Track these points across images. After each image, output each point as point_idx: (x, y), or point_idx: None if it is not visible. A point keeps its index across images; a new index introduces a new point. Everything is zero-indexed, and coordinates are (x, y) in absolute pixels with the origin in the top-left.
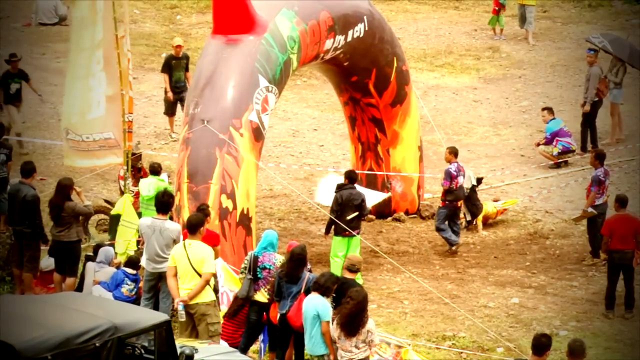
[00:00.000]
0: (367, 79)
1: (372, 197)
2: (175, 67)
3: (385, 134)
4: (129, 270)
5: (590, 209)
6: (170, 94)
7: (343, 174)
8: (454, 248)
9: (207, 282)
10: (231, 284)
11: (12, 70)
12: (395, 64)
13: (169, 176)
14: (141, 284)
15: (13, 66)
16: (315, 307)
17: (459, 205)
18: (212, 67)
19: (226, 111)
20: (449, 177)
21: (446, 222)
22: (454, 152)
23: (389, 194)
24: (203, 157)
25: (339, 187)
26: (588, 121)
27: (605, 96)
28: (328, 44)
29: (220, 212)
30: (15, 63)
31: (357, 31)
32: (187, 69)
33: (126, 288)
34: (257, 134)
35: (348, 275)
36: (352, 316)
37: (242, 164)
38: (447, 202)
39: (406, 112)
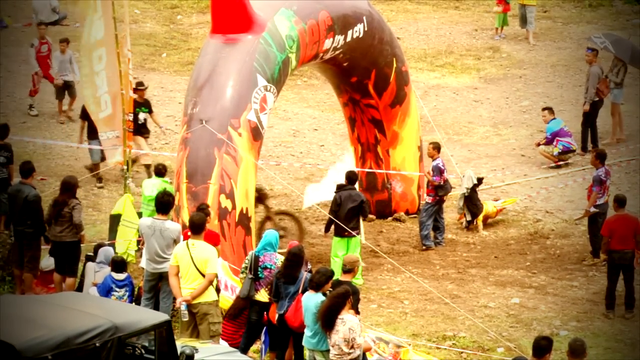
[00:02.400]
0: (366, 80)
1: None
2: None
3: (385, 135)
4: (116, 276)
5: (592, 209)
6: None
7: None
8: (426, 248)
9: (211, 283)
10: (229, 278)
11: (139, 100)
12: (394, 65)
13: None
14: (141, 284)
15: (140, 95)
16: (316, 304)
17: (445, 199)
18: (210, 66)
19: (225, 111)
20: (439, 172)
21: (431, 219)
22: (437, 148)
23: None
24: (202, 157)
25: (339, 188)
26: (588, 121)
27: (606, 96)
28: (327, 43)
29: (220, 212)
30: (142, 92)
31: (356, 31)
32: None
33: (115, 295)
34: (256, 134)
35: (342, 277)
36: (328, 311)
37: (240, 164)
38: (437, 198)
39: (406, 112)
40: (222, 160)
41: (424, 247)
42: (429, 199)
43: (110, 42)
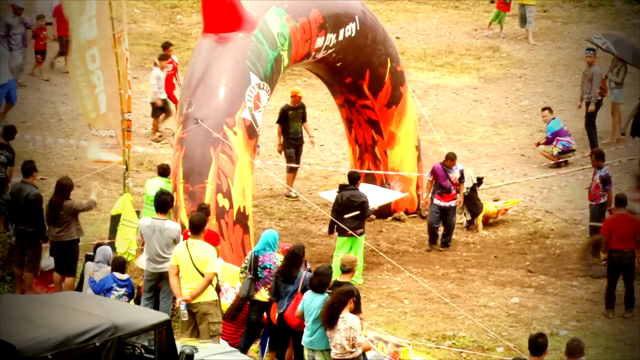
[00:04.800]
0: (361, 80)
1: (387, 196)
2: (293, 117)
3: (382, 135)
4: (119, 276)
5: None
6: (280, 148)
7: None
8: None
9: (210, 282)
10: (230, 280)
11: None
12: (389, 65)
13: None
14: (141, 284)
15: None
16: (319, 304)
17: None
18: (204, 66)
19: (219, 110)
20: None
21: None
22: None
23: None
24: (198, 157)
25: (341, 188)
26: (592, 121)
27: (605, 95)
28: (319, 42)
29: (217, 211)
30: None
31: (348, 30)
32: (304, 119)
33: (115, 295)
34: (251, 132)
35: (341, 277)
36: (331, 307)
37: (237, 162)
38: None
39: (402, 112)
40: (218, 159)
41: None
42: (454, 203)
43: (105, 41)
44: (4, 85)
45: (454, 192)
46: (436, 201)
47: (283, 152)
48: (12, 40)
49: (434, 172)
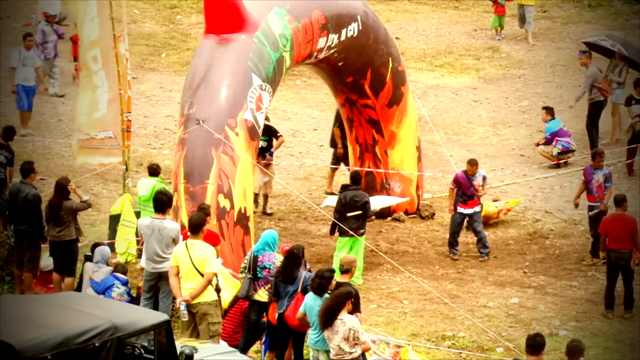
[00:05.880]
0: (362, 80)
1: (388, 199)
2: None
3: (382, 135)
4: (120, 275)
5: (608, 204)
6: (341, 149)
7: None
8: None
9: (209, 282)
10: (227, 288)
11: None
12: (390, 64)
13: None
14: (140, 284)
15: None
16: (320, 305)
17: None
18: (205, 66)
19: (221, 110)
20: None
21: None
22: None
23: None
24: (199, 157)
25: (343, 188)
26: (593, 121)
27: (607, 96)
28: (321, 42)
29: (218, 211)
30: None
31: (350, 30)
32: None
33: (116, 292)
34: (253, 133)
35: (340, 278)
36: (329, 309)
37: (238, 163)
38: (481, 204)
39: (403, 112)
40: (219, 160)
41: (484, 257)
42: (478, 208)
43: (106, 42)
44: (29, 87)
45: (476, 198)
46: (460, 209)
47: (335, 152)
48: (44, 48)
49: (457, 181)
